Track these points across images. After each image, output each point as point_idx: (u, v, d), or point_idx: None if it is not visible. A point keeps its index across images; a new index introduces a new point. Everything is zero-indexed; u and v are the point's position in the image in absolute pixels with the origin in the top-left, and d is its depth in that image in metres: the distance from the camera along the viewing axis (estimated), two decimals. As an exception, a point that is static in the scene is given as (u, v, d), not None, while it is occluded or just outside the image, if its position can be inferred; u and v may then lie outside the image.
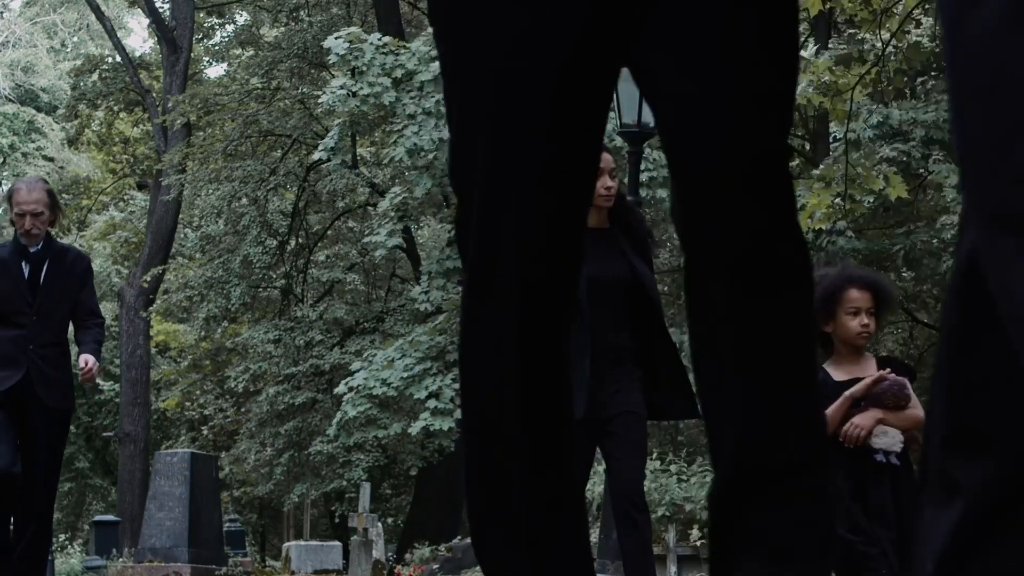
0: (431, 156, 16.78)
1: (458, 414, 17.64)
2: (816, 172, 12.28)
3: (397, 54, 17.09)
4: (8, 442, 7.22)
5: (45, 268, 7.39)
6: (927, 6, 11.10)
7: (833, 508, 1.98)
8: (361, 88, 16.75)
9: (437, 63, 16.78)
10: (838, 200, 10.62)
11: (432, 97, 16.72)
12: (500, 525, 2.18)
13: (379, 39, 17.23)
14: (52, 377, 7.34)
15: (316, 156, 18.31)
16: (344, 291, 28.41)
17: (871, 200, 15.42)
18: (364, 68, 16.83)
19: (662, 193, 16.83)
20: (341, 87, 16.90)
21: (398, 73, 16.92)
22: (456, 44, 2.12)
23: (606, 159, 6.05)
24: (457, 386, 17.55)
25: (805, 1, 9.97)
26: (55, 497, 7.65)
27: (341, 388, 18.01)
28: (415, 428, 17.58)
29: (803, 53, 12.08)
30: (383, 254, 18.67)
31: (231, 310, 25.79)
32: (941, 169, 15.66)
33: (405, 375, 17.58)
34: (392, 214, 17.71)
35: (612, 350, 6.04)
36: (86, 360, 7.42)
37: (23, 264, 7.37)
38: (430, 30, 17.16)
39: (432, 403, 17.50)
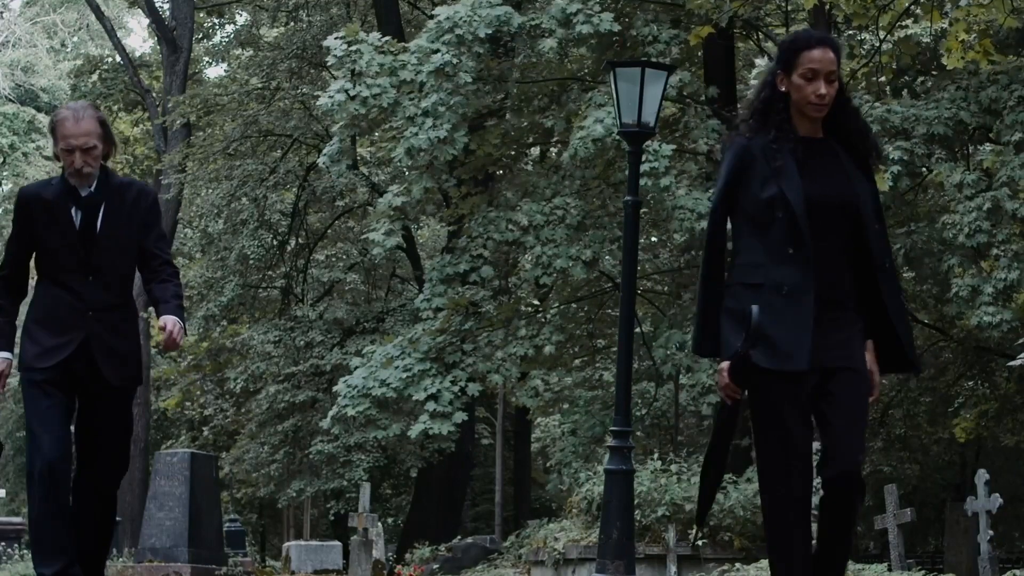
0: (430, 156, 16.75)
1: (457, 417, 17.58)
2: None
3: (396, 54, 17.06)
4: (55, 431, 5.83)
5: (101, 214, 5.87)
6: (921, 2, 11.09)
7: None
8: (360, 91, 16.71)
9: (436, 59, 16.72)
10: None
11: (431, 96, 16.69)
12: None
13: (378, 39, 17.20)
14: (116, 348, 5.91)
15: (320, 162, 18.26)
16: (344, 291, 28.40)
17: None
18: (363, 69, 16.79)
19: (664, 181, 16.64)
20: (339, 90, 16.86)
21: (398, 75, 16.88)
22: None
23: (825, 58, 4.99)
24: (456, 388, 17.59)
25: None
26: (116, 493, 6.14)
27: (340, 387, 17.98)
28: (414, 431, 17.53)
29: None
30: (382, 254, 18.64)
31: (227, 307, 25.80)
32: (943, 168, 15.63)
33: (404, 375, 17.54)
34: (392, 213, 17.68)
35: (836, 289, 4.98)
36: (167, 322, 5.88)
37: (73, 210, 5.85)
38: (429, 27, 17.14)
39: (431, 406, 17.44)
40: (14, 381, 33.66)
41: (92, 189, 5.86)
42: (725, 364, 4.96)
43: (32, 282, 6.11)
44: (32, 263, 6.03)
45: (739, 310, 4.93)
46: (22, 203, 5.94)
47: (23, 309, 6.14)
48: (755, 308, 4.85)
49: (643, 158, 14.66)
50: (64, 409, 5.89)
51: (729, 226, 5.15)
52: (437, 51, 16.68)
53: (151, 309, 6.55)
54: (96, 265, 5.85)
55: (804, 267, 4.90)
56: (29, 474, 5.87)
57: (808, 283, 4.89)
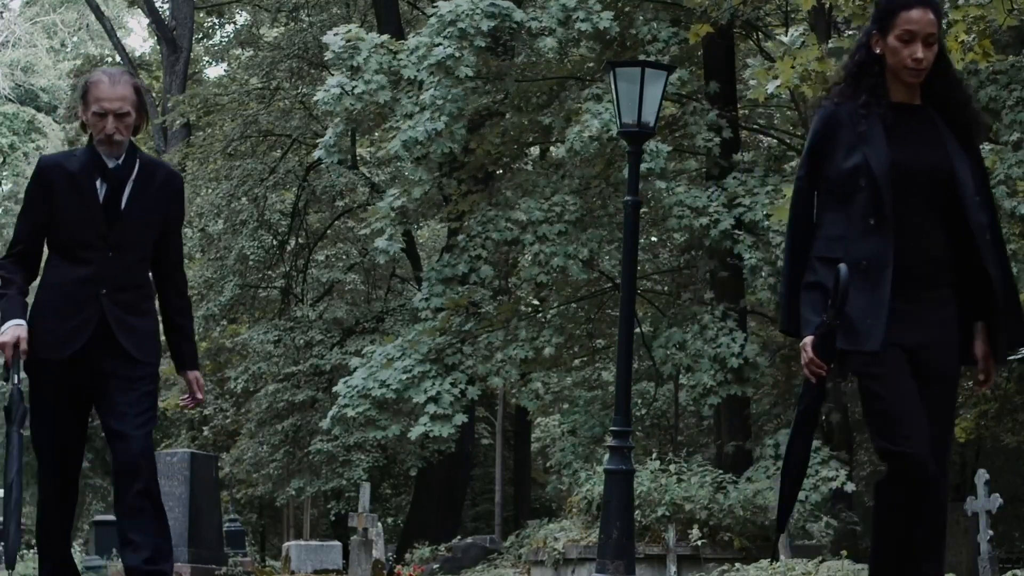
0: (427, 149, 16.74)
1: (457, 420, 17.55)
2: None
3: (395, 53, 17.07)
4: (66, 444, 5.50)
5: (128, 189, 5.50)
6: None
7: None
8: (356, 87, 16.72)
9: (438, 52, 16.70)
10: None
11: (428, 90, 16.69)
12: None
13: (376, 38, 17.22)
14: (134, 326, 5.49)
15: (316, 155, 18.29)
16: (344, 291, 28.41)
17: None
18: (360, 65, 16.81)
19: (661, 184, 16.72)
20: (336, 85, 16.88)
21: (396, 73, 16.89)
22: None
23: (924, 19, 4.63)
24: (456, 391, 17.57)
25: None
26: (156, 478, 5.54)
27: (340, 387, 17.97)
28: (414, 433, 17.51)
29: (784, 39, 12.04)
30: (386, 259, 18.67)
31: (227, 307, 25.81)
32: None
33: (404, 376, 17.53)
34: (392, 215, 17.67)
35: (924, 263, 4.61)
36: (195, 383, 5.71)
37: (98, 182, 5.46)
38: (430, 22, 17.14)
39: (431, 408, 17.42)
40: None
41: (120, 162, 5.49)
42: (808, 339, 4.58)
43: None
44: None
45: (816, 284, 4.60)
46: (42, 172, 5.52)
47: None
48: (843, 267, 4.46)
49: (640, 168, 14.69)
50: (77, 416, 5.52)
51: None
52: (438, 45, 16.70)
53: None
54: (117, 241, 5.45)
55: (885, 240, 4.55)
56: (42, 485, 5.52)
57: (887, 257, 4.54)
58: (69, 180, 5.45)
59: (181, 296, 5.73)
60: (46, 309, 5.47)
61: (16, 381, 5.28)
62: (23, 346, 5.36)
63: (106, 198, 5.46)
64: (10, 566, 5.34)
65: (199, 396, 5.71)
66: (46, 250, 5.63)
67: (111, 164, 5.48)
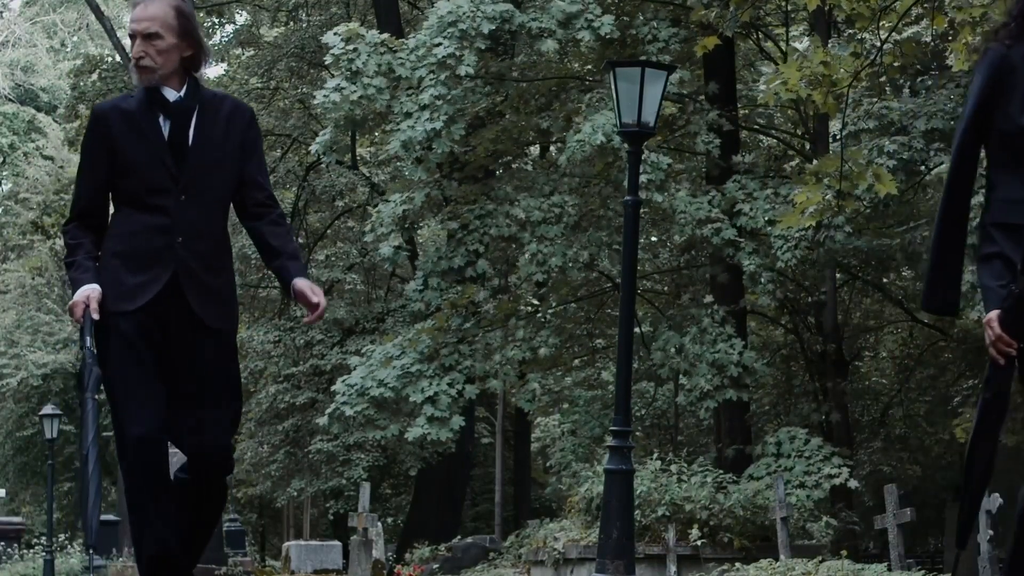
0: (426, 149, 16.74)
1: (455, 423, 17.53)
2: (809, 167, 12.25)
3: (395, 51, 17.05)
4: (148, 397, 4.93)
5: (194, 123, 4.94)
6: (925, 5, 11.08)
7: None
8: (356, 91, 16.72)
9: (439, 52, 16.68)
10: (830, 196, 10.53)
11: (428, 90, 16.68)
12: None
13: (376, 36, 17.21)
14: (209, 284, 4.97)
15: (312, 150, 18.29)
16: (344, 291, 28.43)
17: (869, 198, 15.40)
18: (360, 68, 16.80)
19: (658, 197, 16.80)
20: (335, 88, 16.88)
21: (395, 73, 16.89)
22: None
23: None
24: (453, 391, 17.54)
25: (802, -1, 9.97)
26: (232, 465, 5.27)
27: (339, 386, 17.97)
28: (412, 435, 17.48)
29: (798, 46, 12.06)
30: (388, 265, 18.69)
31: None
32: (942, 164, 15.62)
33: (403, 375, 17.52)
34: (396, 221, 17.66)
35: None
36: (308, 290, 4.93)
37: (161, 118, 4.93)
38: (430, 22, 17.14)
39: (429, 409, 17.37)
40: (13, 381, 33.64)
41: (182, 95, 4.93)
42: (993, 314, 4.00)
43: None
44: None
45: (997, 254, 4.04)
46: (98, 118, 4.99)
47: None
48: None
49: (640, 169, 14.75)
50: (156, 367, 4.92)
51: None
52: (439, 44, 16.69)
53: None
54: (188, 182, 4.93)
55: None
56: (121, 453, 5.03)
57: None
58: (128, 120, 4.93)
59: (275, 224, 5.15)
60: (115, 262, 4.95)
61: (87, 344, 4.89)
62: (94, 305, 4.87)
63: (171, 134, 4.92)
64: (90, 541, 4.80)
65: (313, 300, 4.96)
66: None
67: (172, 98, 4.94)
